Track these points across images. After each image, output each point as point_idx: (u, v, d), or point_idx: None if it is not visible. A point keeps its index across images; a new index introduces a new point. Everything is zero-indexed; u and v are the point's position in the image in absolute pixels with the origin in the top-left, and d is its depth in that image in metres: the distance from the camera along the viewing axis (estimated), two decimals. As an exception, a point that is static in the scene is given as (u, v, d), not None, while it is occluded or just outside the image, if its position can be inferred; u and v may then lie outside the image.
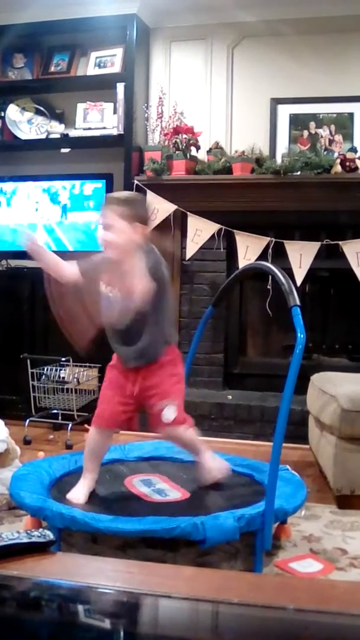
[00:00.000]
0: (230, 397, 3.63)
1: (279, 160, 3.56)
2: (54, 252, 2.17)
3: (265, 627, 1.11)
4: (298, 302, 2.00)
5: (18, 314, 3.86)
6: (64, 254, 2.21)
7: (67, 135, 3.94)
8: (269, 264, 2.46)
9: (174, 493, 2.18)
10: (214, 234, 3.58)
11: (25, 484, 2.11)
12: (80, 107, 3.89)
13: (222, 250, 3.63)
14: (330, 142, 3.62)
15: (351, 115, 3.62)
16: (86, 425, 3.45)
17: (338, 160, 3.40)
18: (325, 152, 3.54)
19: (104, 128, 3.83)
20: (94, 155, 3.91)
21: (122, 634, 1.07)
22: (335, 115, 3.64)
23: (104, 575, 1.31)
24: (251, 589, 1.24)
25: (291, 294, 2.03)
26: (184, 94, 3.82)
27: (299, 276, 3.42)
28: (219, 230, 3.57)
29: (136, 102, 3.74)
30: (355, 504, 2.48)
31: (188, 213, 3.60)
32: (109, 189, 3.74)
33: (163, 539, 1.84)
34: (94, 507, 1.99)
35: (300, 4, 3.54)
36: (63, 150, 3.93)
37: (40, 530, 1.41)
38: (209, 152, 3.69)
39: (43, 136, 3.98)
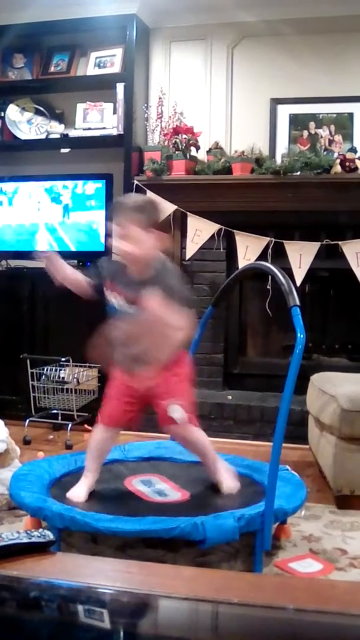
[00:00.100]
0: (230, 397, 3.63)
1: (278, 160, 3.56)
2: (57, 252, 2.17)
3: (265, 627, 1.11)
4: (298, 302, 2.00)
5: (18, 314, 3.86)
6: (65, 254, 2.22)
7: (66, 135, 3.94)
8: (268, 264, 2.46)
9: (174, 494, 2.18)
10: (213, 234, 3.58)
11: (25, 484, 2.11)
12: (80, 107, 3.89)
13: (222, 250, 3.63)
14: (330, 142, 3.62)
15: (351, 115, 3.62)
16: (86, 426, 3.47)
17: (338, 161, 3.40)
18: (325, 152, 3.54)
19: (104, 128, 3.83)
20: (93, 155, 3.91)
21: (122, 634, 1.07)
22: (335, 115, 3.64)
23: (104, 575, 1.31)
24: (251, 589, 1.24)
25: (291, 294, 2.03)
26: (184, 94, 3.82)
27: (299, 276, 3.42)
28: (219, 231, 3.57)
29: (136, 102, 3.74)
30: (354, 504, 2.48)
31: (188, 213, 3.60)
32: (109, 189, 3.74)
33: (163, 539, 1.84)
34: (94, 507, 1.99)
35: (300, 4, 3.54)
36: (63, 150, 3.93)
37: (40, 530, 1.41)
38: (208, 152, 3.69)
39: (43, 136, 3.98)
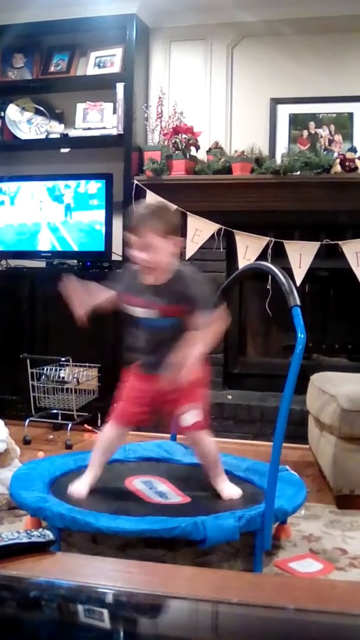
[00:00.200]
0: (230, 397, 3.63)
1: (278, 160, 3.56)
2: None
3: (265, 627, 1.11)
4: (298, 302, 2.00)
5: (18, 314, 3.86)
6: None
7: (66, 135, 3.94)
8: (268, 264, 2.46)
9: (175, 497, 2.16)
10: (213, 233, 3.58)
11: (25, 484, 2.11)
12: (80, 107, 3.89)
13: (221, 250, 3.63)
14: (330, 142, 3.62)
15: (351, 115, 3.62)
16: (86, 425, 3.47)
17: (338, 160, 3.40)
18: (324, 152, 3.54)
19: (104, 128, 3.83)
20: (93, 155, 3.91)
21: (122, 634, 1.07)
22: (334, 115, 3.64)
23: (104, 575, 1.31)
24: (251, 589, 1.24)
25: (291, 294, 2.02)
26: (184, 93, 3.82)
27: (299, 276, 3.42)
28: (219, 230, 3.58)
29: (136, 102, 3.74)
30: (354, 504, 2.48)
31: (188, 213, 3.60)
32: (109, 189, 3.74)
33: (163, 538, 1.83)
34: (94, 507, 1.99)
35: (300, 4, 3.54)
36: (63, 150, 3.93)
37: (40, 530, 1.41)
38: (208, 152, 3.69)
39: (43, 136, 3.98)
